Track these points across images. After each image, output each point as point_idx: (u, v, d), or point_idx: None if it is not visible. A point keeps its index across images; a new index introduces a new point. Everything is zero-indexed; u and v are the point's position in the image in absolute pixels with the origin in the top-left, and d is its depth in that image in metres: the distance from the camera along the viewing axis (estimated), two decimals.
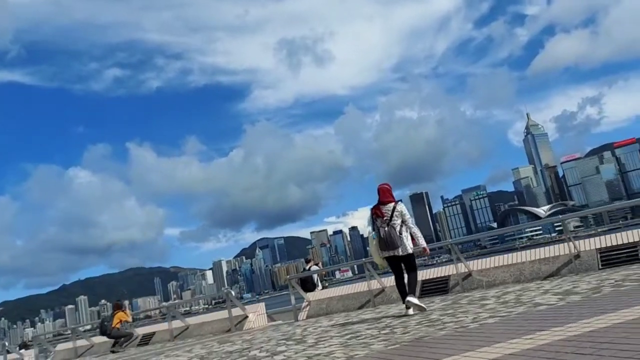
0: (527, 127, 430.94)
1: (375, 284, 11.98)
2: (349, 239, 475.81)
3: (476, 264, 10.89)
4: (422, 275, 11.61)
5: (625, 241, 9.26)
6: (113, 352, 14.81)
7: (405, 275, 8.28)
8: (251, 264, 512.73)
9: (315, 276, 15.64)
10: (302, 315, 12.85)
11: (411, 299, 7.84)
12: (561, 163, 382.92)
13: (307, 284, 15.39)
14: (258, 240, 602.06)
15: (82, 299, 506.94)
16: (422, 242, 8.30)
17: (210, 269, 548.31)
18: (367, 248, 9.82)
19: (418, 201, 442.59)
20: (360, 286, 12.36)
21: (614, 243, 9.37)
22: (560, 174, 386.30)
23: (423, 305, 7.84)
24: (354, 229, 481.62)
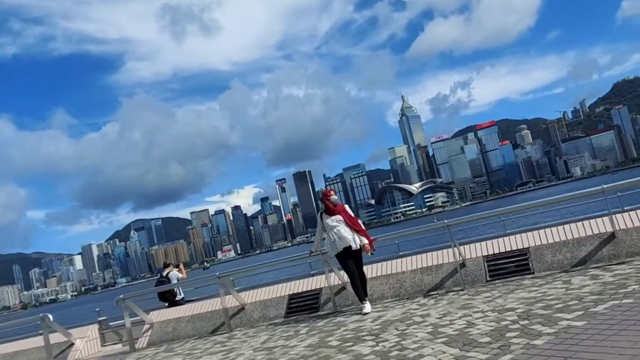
0: (402, 109, 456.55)
1: (232, 301, 9.82)
2: (231, 218, 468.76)
3: None
4: (288, 288, 9.70)
5: (514, 247, 8.13)
6: None
7: None
8: (125, 247, 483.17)
9: (175, 280, 13.07)
10: (143, 342, 10.31)
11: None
12: (431, 143, 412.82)
13: (166, 294, 12.80)
14: (133, 221, 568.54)
15: None
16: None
17: (79, 254, 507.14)
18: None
19: (301, 179, 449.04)
20: (213, 303, 10.12)
21: (502, 249, 8.21)
22: (431, 154, 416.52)
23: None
24: (237, 208, 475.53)
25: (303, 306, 9.21)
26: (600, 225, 7.68)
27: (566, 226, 8.03)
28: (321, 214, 7.95)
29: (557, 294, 6.04)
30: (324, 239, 8.03)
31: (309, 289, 9.49)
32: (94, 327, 11.58)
